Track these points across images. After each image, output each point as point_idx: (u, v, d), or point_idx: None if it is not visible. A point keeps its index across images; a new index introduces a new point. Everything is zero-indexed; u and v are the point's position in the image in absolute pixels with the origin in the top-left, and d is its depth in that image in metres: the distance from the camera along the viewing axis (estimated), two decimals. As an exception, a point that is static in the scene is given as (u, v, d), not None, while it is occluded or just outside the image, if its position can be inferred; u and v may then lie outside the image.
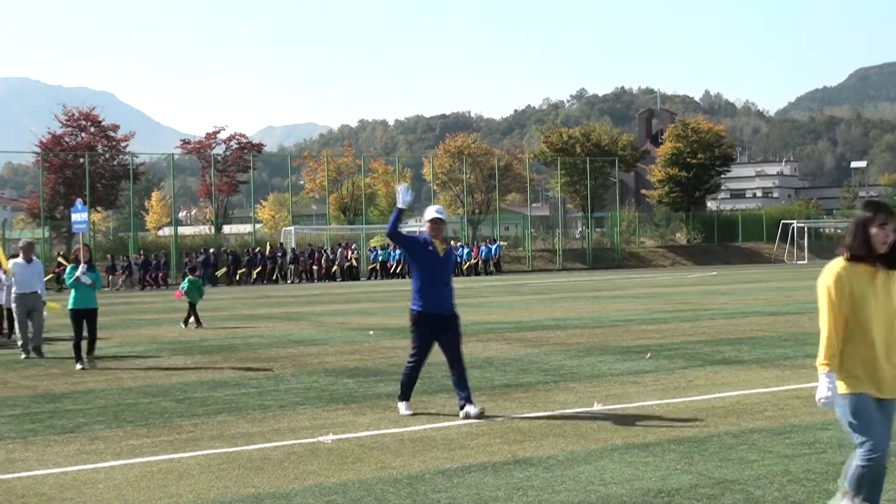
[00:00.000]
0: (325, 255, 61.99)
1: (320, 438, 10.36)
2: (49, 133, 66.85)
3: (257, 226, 75.68)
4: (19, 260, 19.49)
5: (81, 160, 63.23)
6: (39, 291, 19.42)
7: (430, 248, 11.71)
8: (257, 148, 76.45)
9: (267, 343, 21.11)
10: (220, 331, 24.16)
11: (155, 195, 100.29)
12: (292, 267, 60.26)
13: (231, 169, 71.98)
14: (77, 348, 17.27)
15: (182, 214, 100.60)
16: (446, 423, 11.08)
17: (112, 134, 68.58)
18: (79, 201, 19.74)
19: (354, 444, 10.11)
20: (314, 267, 61.47)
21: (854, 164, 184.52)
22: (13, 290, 19.49)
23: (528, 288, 44.07)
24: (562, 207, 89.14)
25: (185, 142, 75.61)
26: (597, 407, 11.89)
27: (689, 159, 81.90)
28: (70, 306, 17.30)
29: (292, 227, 65.39)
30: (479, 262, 65.09)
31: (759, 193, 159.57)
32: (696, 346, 18.44)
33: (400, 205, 11.65)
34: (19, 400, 13.83)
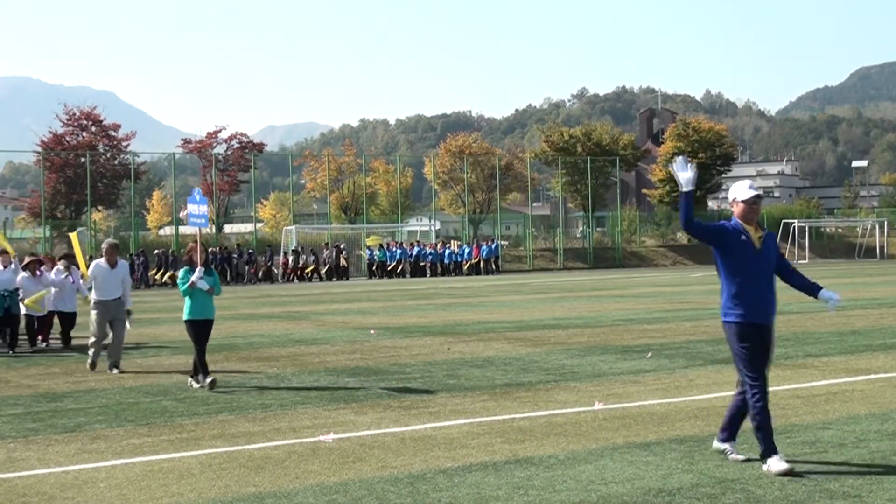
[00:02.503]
0: (288, 255, 60.61)
1: (321, 438, 10.36)
2: (50, 132, 66.87)
3: (258, 225, 75.65)
4: (101, 262, 17.15)
5: (83, 159, 63.25)
6: (122, 298, 17.35)
7: (744, 237, 9.03)
8: (258, 147, 76.54)
9: (268, 342, 21.11)
10: (220, 330, 24.13)
11: (156, 194, 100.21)
12: (247, 268, 59.32)
13: (232, 168, 72.04)
14: (201, 364, 14.56)
15: (183, 214, 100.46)
16: (447, 423, 11.08)
17: (113, 133, 68.62)
18: (196, 191, 16.98)
19: (355, 444, 10.11)
20: (275, 270, 60.33)
21: (855, 164, 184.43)
22: (92, 295, 17.14)
23: (529, 287, 44.07)
24: (563, 207, 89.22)
25: (186, 141, 75.71)
26: (598, 406, 11.89)
27: (690, 159, 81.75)
28: (186, 317, 14.78)
29: (293, 227, 65.35)
30: (480, 262, 65.01)
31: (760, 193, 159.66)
32: (698, 345, 18.45)
33: (686, 187, 9.30)
34: (21, 399, 13.83)
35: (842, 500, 7.52)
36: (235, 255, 59.16)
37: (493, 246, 66.61)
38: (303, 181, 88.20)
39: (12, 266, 20.85)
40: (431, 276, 62.42)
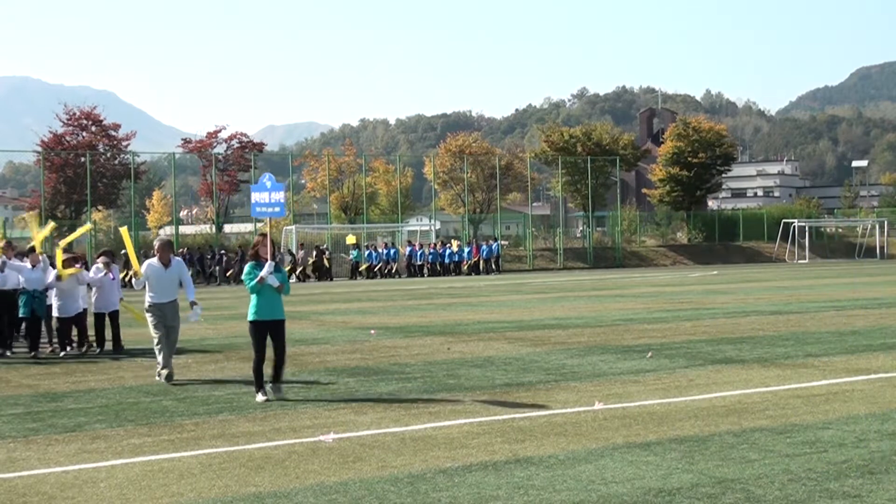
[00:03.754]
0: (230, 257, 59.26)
1: (321, 437, 10.37)
2: (50, 132, 66.80)
3: (258, 225, 75.62)
4: (154, 262, 15.70)
5: (83, 159, 63.21)
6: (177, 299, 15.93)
7: None
8: (258, 147, 76.51)
9: (268, 342, 21.05)
10: (221, 329, 24.15)
11: (156, 194, 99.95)
12: (217, 269, 58.97)
13: (232, 168, 72.02)
14: (259, 373, 13.28)
15: (183, 213, 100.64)
16: (447, 423, 11.08)
17: (113, 133, 68.56)
18: (268, 176, 14.79)
19: (355, 444, 10.12)
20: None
21: (855, 164, 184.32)
22: (148, 297, 15.55)
23: (529, 287, 44.07)
24: (563, 206, 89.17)
25: (186, 141, 75.65)
26: (598, 406, 11.90)
27: (690, 158, 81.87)
28: (251, 317, 13.45)
29: (293, 227, 65.30)
30: (480, 262, 64.96)
31: (760, 193, 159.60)
32: (698, 345, 18.45)
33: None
34: (21, 399, 13.84)
35: (842, 500, 7.52)
36: (208, 257, 59.02)
37: (493, 246, 66.52)
38: (303, 181, 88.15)
39: (41, 265, 19.71)
40: (430, 275, 62.24)
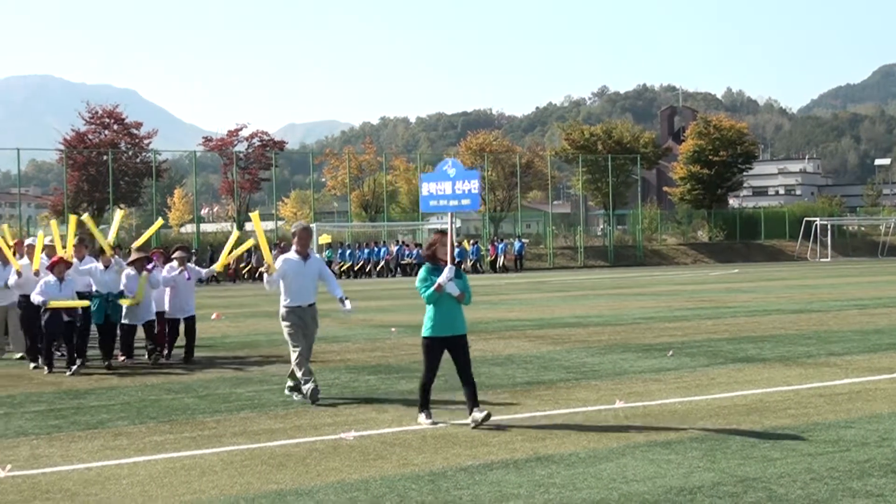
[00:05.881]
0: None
1: (342, 435, 10.38)
2: (73, 130, 67.16)
3: (279, 223, 75.76)
4: (291, 255, 13.13)
5: (105, 157, 63.50)
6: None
7: None
8: (279, 145, 76.58)
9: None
10: (242, 327, 24.21)
11: (177, 192, 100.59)
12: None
13: (253, 166, 72.16)
14: (426, 391, 11.23)
15: (204, 211, 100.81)
16: (468, 421, 11.07)
17: (135, 131, 68.84)
18: (451, 162, 12.09)
19: (376, 441, 10.14)
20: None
21: (878, 162, 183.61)
22: (283, 300, 13.05)
23: (550, 285, 44.04)
24: (583, 205, 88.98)
25: (207, 139, 75.86)
26: (619, 404, 11.88)
27: (711, 157, 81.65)
28: (426, 332, 11.12)
29: (314, 224, 65.35)
30: (497, 260, 64.82)
31: (781, 191, 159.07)
32: (719, 343, 18.40)
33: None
34: (44, 396, 13.91)
35: (864, 499, 7.50)
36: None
37: (518, 245, 66.41)
38: (323, 179, 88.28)
39: (114, 265, 17.42)
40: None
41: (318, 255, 13.60)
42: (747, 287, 38.12)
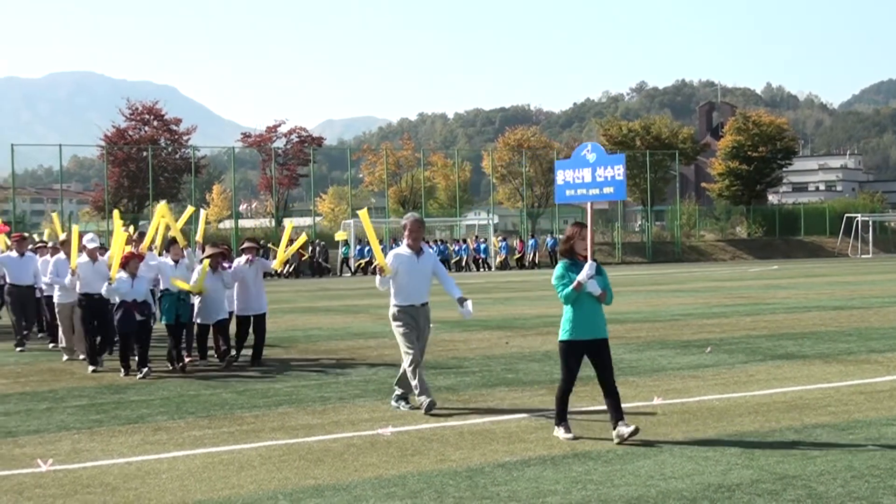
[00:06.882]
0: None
1: (380, 431, 10.42)
2: (113, 127, 67.83)
3: (317, 219, 76.03)
4: (402, 249, 12.03)
5: (145, 153, 64.04)
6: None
7: None
8: (317, 141, 76.88)
9: (326, 335, 21.22)
10: (280, 323, 24.29)
11: (216, 188, 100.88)
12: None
13: (291, 162, 72.52)
14: (563, 402, 10.20)
15: (242, 207, 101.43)
16: (506, 417, 11.09)
17: (174, 127, 69.46)
18: (591, 146, 10.91)
19: (414, 437, 10.16)
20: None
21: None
22: (393, 299, 11.93)
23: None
24: (621, 201, 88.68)
25: (246, 135, 76.24)
26: (657, 401, 11.85)
27: (750, 152, 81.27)
28: (564, 335, 10.06)
29: (351, 220, 65.52)
30: (526, 257, 64.66)
31: (822, 187, 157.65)
32: (757, 340, 18.30)
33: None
34: (85, 391, 14.03)
35: (905, 498, 7.44)
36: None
37: (550, 241, 66.35)
38: (361, 175, 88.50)
39: (185, 260, 16.61)
40: (458, 271, 61.20)
41: (431, 250, 12.61)
42: (786, 284, 37.88)
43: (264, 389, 13.71)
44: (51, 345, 20.12)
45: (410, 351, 11.69)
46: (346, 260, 61.83)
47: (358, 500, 7.77)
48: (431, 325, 12.38)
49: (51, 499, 8.07)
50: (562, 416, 10.04)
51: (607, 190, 10.39)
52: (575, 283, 9.84)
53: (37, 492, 8.31)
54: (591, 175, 10.56)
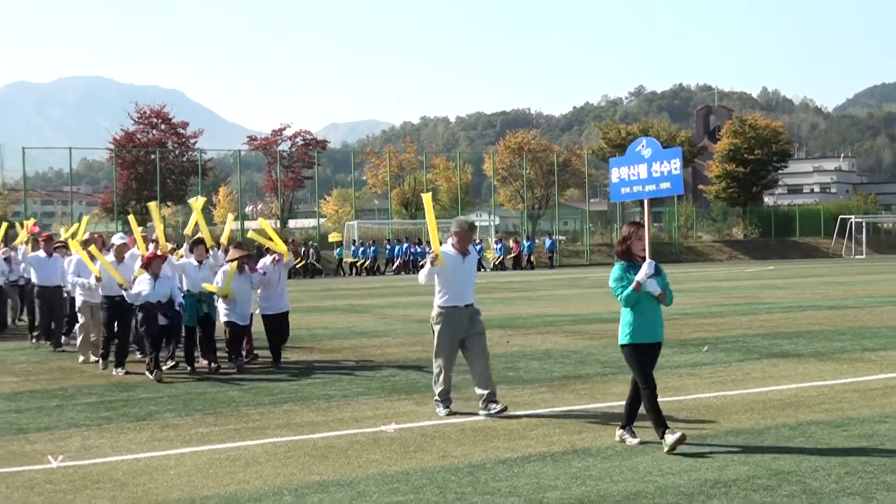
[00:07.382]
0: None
1: (383, 428, 10.56)
2: (122, 130, 68.41)
3: (321, 220, 76.13)
4: (449, 248, 11.60)
5: (153, 156, 64.27)
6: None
7: None
8: (321, 144, 77.15)
9: (331, 334, 21.34)
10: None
11: (222, 190, 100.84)
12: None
13: (296, 165, 72.78)
14: (657, 409, 9.51)
15: (248, 209, 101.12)
16: (507, 414, 11.20)
17: (182, 131, 69.86)
18: (645, 141, 10.83)
19: (416, 434, 10.31)
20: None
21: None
22: (438, 298, 11.53)
23: (587, 281, 43.97)
24: (620, 202, 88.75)
25: (252, 138, 76.56)
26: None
27: (746, 155, 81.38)
28: (625, 339, 9.94)
29: (355, 222, 65.58)
30: (522, 257, 64.56)
31: (816, 189, 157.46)
32: (753, 339, 18.43)
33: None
34: (94, 388, 14.17)
35: (897, 492, 7.58)
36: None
37: (549, 243, 66.31)
38: (364, 177, 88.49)
39: (210, 260, 16.35)
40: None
41: (475, 251, 12.11)
42: (782, 284, 37.95)
43: (269, 387, 13.85)
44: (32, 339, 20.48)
45: (440, 357, 11.40)
46: (339, 262, 61.86)
47: (361, 496, 7.89)
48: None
49: (61, 494, 8.21)
50: (661, 422, 9.32)
51: (664, 185, 10.13)
52: (634, 283, 9.60)
53: (47, 487, 8.44)
54: (646, 171, 10.29)
